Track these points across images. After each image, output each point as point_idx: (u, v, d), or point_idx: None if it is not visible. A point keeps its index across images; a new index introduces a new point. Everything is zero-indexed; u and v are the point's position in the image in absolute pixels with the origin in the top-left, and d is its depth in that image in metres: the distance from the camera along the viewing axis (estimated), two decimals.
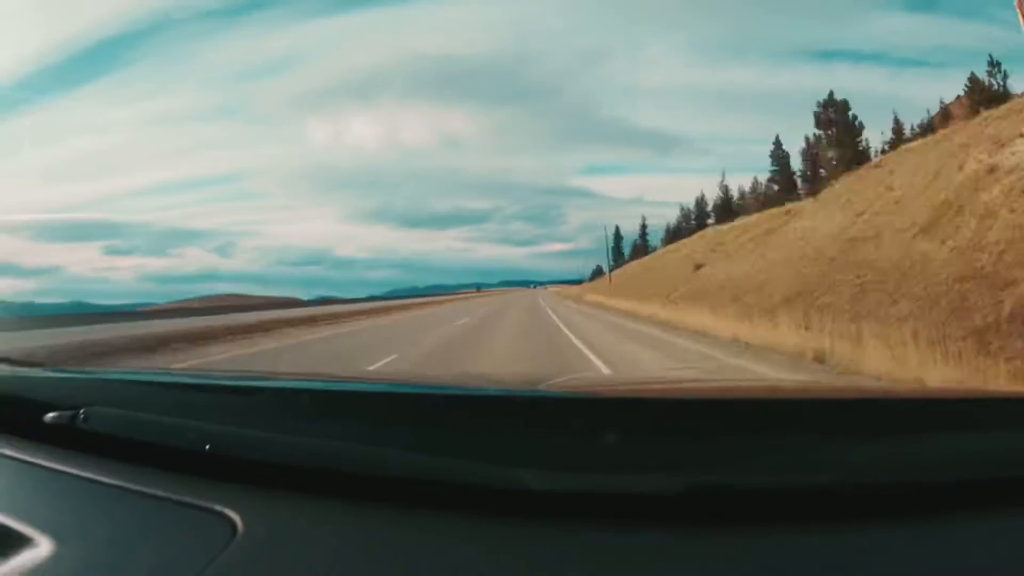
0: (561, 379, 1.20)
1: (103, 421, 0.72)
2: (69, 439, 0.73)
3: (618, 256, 60.64)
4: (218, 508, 0.57)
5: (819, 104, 32.77)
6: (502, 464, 0.56)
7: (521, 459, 0.56)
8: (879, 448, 0.56)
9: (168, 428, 0.71)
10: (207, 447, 0.64)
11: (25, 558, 0.53)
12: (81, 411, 0.72)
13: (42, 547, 0.54)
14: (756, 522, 0.51)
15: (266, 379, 1.07)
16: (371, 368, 6.88)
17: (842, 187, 17.01)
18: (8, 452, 0.75)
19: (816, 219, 15.45)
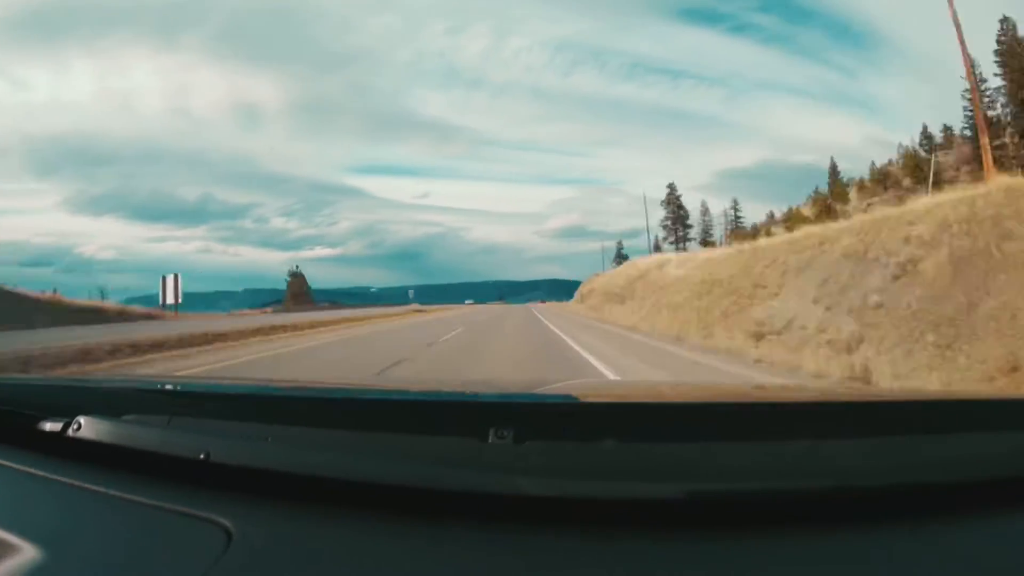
0: (559, 383, 1.22)
1: (96, 429, 0.71)
2: (62, 447, 0.72)
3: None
4: (212, 517, 0.56)
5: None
6: (501, 470, 0.56)
7: (520, 465, 0.56)
8: (879, 451, 0.57)
9: (161, 436, 0.69)
10: (201, 455, 0.63)
11: (16, 568, 0.51)
12: (74, 419, 0.72)
13: (33, 557, 0.53)
14: (759, 527, 0.51)
15: (261, 387, 1.05)
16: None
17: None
18: (0, 460, 0.73)
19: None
